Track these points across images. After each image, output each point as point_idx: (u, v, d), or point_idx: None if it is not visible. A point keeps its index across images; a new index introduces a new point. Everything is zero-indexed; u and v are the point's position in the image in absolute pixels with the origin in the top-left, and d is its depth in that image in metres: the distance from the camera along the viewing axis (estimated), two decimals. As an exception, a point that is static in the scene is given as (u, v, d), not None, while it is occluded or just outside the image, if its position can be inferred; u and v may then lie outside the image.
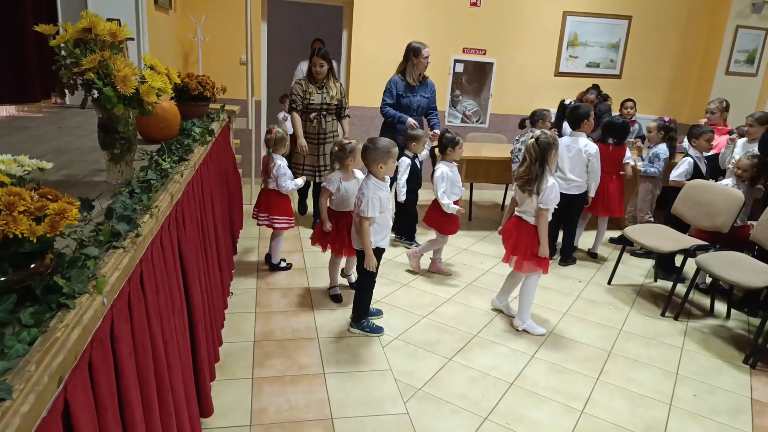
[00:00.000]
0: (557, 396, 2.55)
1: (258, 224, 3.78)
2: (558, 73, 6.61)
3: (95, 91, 1.50)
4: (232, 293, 3.30)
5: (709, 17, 6.79)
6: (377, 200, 2.75)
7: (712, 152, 4.31)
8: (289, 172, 3.63)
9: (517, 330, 3.16)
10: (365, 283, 2.98)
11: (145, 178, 1.66)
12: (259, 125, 6.15)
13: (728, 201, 3.55)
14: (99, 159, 1.89)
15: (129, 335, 1.18)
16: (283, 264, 3.82)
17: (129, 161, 1.71)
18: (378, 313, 3.21)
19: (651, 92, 6.86)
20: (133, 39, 3.90)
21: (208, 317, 2.26)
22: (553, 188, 2.93)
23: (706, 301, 3.76)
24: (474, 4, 6.23)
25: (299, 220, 4.90)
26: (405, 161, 4.01)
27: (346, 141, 3.16)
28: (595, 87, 5.75)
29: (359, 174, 3.18)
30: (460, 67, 6.40)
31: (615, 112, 5.92)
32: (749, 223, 3.73)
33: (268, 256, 3.83)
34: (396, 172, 3.71)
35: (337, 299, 3.39)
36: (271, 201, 3.66)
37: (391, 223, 2.98)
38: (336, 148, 3.19)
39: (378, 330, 3.00)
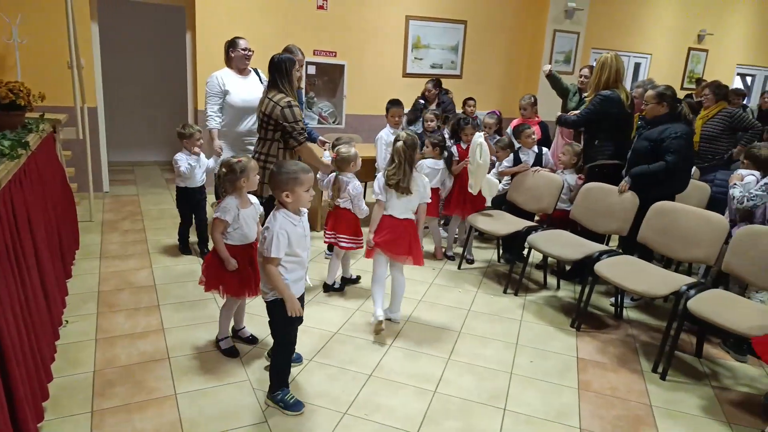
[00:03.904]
0: (412, 380, 2.69)
1: (325, 241, 3.74)
2: (406, 74, 6.94)
3: None
4: (66, 322, 2.98)
5: (532, 22, 7.60)
6: (284, 236, 2.21)
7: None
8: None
9: (397, 322, 3.29)
10: (283, 342, 2.42)
11: None
12: (98, 134, 5.64)
13: (550, 186, 4.02)
14: None
15: None
16: (336, 285, 3.70)
17: None
18: (298, 358, 2.75)
19: (487, 90, 7.50)
20: None
21: (29, 352, 2.02)
22: (429, 184, 3.21)
23: (541, 276, 4.20)
24: (321, 8, 6.31)
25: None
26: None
27: (235, 159, 2.67)
28: (434, 79, 6.11)
29: (254, 199, 2.81)
30: (312, 69, 6.44)
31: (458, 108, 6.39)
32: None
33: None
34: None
35: (232, 353, 2.81)
36: (340, 219, 3.51)
37: (308, 265, 2.42)
38: (224, 170, 2.64)
39: (296, 407, 2.38)
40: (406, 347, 3.02)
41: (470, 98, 6.33)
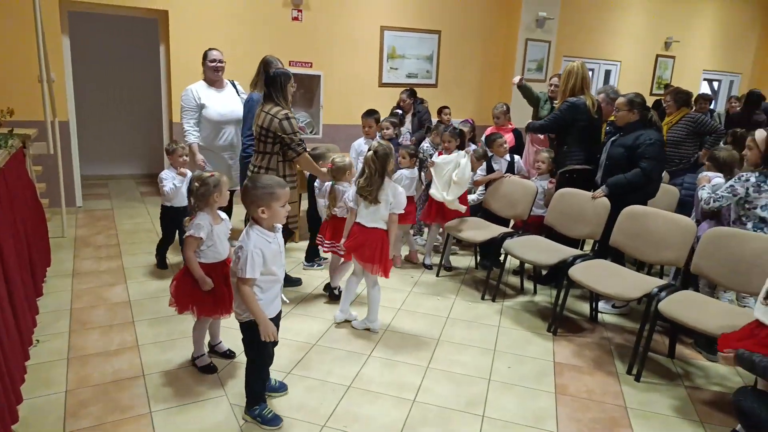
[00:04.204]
0: (390, 390, 2.69)
1: (324, 251, 3.72)
2: (382, 84, 6.99)
3: None
4: (37, 341, 2.92)
5: (505, 31, 7.73)
6: (259, 255, 2.15)
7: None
8: None
9: (376, 332, 3.28)
10: (257, 361, 2.37)
11: None
12: (70, 149, 5.55)
13: (524, 192, 4.08)
14: None
15: None
16: (336, 292, 3.73)
17: None
18: (281, 387, 2.62)
19: (463, 98, 7.59)
20: None
21: (-4, 374, 1.98)
22: (402, 194, 3.21)
23: (518, 281, 4.25)
24: (296, 19, 6.33)
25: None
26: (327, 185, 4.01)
27: (208, 174, 2.62)
28: (409, 89, 6.18)
29: (224, 214, 2.75)
30: (287, 80, 6.44)
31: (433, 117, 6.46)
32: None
33: (328, 286, 3.80)
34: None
35: (210, 370, 2.75)
36: (338, 229, 3.47)
37: (282, 283, 2.38)
38: (197, 184, 2.57)
39: (274, 422, 2.35)
40: (385, 356, 3.02)
41: (445, 107, 6.40)
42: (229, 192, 2.94)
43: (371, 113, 4.64)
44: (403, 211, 3.26)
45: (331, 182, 3.61)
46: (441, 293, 3.99)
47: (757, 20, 10.61)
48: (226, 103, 4.22)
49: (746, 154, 3.24)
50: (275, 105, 3.38)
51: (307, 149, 3.55)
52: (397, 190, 3.22)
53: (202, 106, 4.09)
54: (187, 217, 2.68)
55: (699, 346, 3.26)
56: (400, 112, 5.80)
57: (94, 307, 3.44)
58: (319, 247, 3.76)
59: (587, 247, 4.24)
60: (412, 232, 4.80)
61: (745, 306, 3.18)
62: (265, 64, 3.95)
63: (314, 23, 6.42)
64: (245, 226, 2.28)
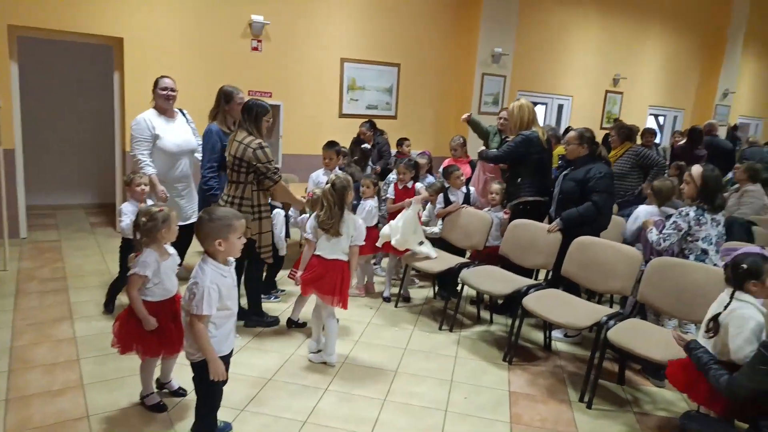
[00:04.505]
0: (347, 424, 2.66)
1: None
2: (342, 115, 7.08)
3: None
4: (-29, 383, 2.75)
5: (462, 65, 7.99)
6: (216, 291, 2.12)
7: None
8: None
9: (333, 365, 3.23)
10: (207, 400, 2.31)
11: None
12: (15, 177, 5.35)
13: (479, 223, 4.18)
14: None
15: None
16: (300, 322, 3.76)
17: None
18: (226, 428, 2.54)
19: (422, 130, 7.76)
20: None
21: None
22: (362, 226, 3.25)
23: (475, 311, 4.30)
24: (255, 49, 6.37)
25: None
26: (280, 214, 4.00)
27: (156, 208, 2.52)
28: (369, 122, 6.29)
29: (171, 249, 2.63)
30: (247, 110, 6.44)
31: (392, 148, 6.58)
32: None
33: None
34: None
35: (159, 408, 2.66)
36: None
37: (236, 318, 2.35)
38: (144, 219, 2.47)
39: None
40: (342, 390, 2.99)
41: (405, 138, 6.53)
42: (179, 227, 2.84)
43: (332, 145, 4.69)
44: (364, 243, 3.29)
45: (309, 214, 3.60)
46: (399, 324, 3.99)
47: (697, 59, 11.35)
48: (180, 133, 4.15)
49: (684, 188, 3.42)
50: (248, 135, 3.39)
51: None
52: (357, 222, 3.25)
53: (156, 137, 4.00)
54: (132, 254, 2.59)
55: (647, 372, 3.37)
56: (368, 146, 5.92)
57: (36, 345, 3.28)
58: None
59: (543, 276, 4.35)
60: (373, 261, 4.81)
61: (687, 332, 3.31)
62: (226, 95, 3.93)
63: (274, 54, 6.48)
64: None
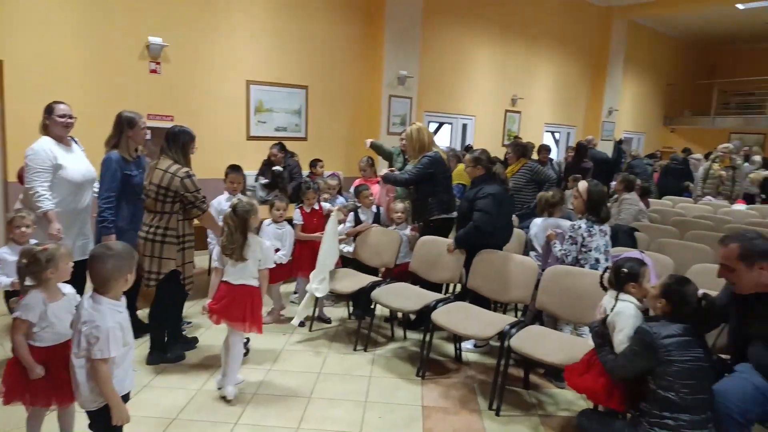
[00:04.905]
0: (258, 458, 2.58)
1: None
2: (250, 137, 6.96)
3: None
4: None
5: (370, 87, 8.16)
6: (119, 330, 2.03)
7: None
8: None
9: (229, 399, 3.09)
10: None
11: None
12: None
13: (389, 241, 4.26)
14: None
15: None
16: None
17: None
18: None
19: (332, 151, 7.80)
20: None
21: None
22: (270, 249, 3.20)
23: (389, 329, 4.34)
24: (154, 71, 6.13)
25: None
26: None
27: (40, 247, 2.28)
28: (279, 144, 6.25)
29: (68, 288, 2.40)
30: (148, 134, 6.14)
31: (304, 170, 6.56)
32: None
33: None
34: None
35: None
36: None
37: (134, 351, 2.26)
38: (24, 260, 2.24)
39: None
40: (253, 422, 2.89)
41: (318, 160, 6.52)
42: (74, 263, 2.60)
43: (236, 169, 4.59)
44: (273, 265, 3.25)
45: None
46: (313, 347, 3.95)
47: (585, 80, 12.39)
48: (81, 162, 3.84)
49: (573, 202, 3.70)
50: (174, 163, 3.31)
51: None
52: (264, 245, 3.20)
53: (58, 167, 3.65)
54: (14, 297, 2.37)
55: (549, 375, 3.57)
56: (280, 169, 5.86)
57: None
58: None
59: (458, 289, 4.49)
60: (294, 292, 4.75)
61: (581, 335, 3.55)
62: (129, 121, 3.68)
63: (175, 76, 6.27)
64: None
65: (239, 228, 3.05)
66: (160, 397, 3.12)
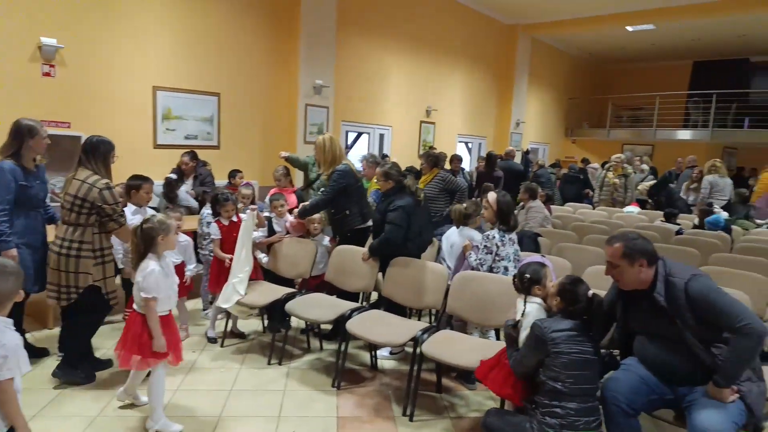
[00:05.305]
0: (162, 484, 2.44)
1: None
2: (157, 146, 6.63)
3: None
4: None
5: (286, 95, 8.07)
6: (21, 348, 1.96)
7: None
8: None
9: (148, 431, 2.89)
10: None
11: None
12: None
13: (305, 251, 4.22)
14: None
15: None
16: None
17: None
18: None
19: (248, 160, 7.62)
20: None
21: None
22: (152, 273, 2.76)
23: (305, 340, 4.29)
24: (47, 75, 5.69)
25: None
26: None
27: None
28: (190, 152, 6.02)
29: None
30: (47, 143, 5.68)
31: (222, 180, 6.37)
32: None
33: None
34: None
35: None
36: None
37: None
38: None
39: None
40: (158, 447, 2.74)
41: (237, 170, 6.34)
42: None
43: (144, 179, 4.34)
44: (151, 296, 2.76)
45: None
46: (225, 364, 3.81)
47: (493, 93, 13.02)
48: None
49: (484, 213, 3.86)
50: (93, 174, 3.23)
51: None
52: (147, 268, 2.79)
53: None
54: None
55: (461, 378, 3.69)
56: (172, 176, 5.61)
57: None
58: None
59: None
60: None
61: (489, 337, 3.71)
62: (30, 129, 3.36)
63: (72, 80, 5.84)
64: None
65: (140, 247, 2.83)
66: (53, 425, 2.87)
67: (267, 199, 5.24)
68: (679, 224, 6.46)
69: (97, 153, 3.31)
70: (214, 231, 4.22)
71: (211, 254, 4.30)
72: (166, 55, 6.65)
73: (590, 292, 2.49)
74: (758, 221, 7.20)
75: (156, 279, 2.77)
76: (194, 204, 5.81)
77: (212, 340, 4.20)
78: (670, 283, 2.38)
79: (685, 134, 14.71)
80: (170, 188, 5.58)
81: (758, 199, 7.98)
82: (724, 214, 6.91)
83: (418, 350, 3.20)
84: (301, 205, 4.45)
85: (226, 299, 3.86)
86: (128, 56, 6.29)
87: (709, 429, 2.13)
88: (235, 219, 4.30)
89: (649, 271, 2.44)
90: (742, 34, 12.80)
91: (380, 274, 4.00)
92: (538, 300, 2.68)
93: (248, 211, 4.07)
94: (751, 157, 14.47)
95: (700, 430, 2.15)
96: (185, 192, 5.86)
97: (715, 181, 7.87)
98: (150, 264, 2.81)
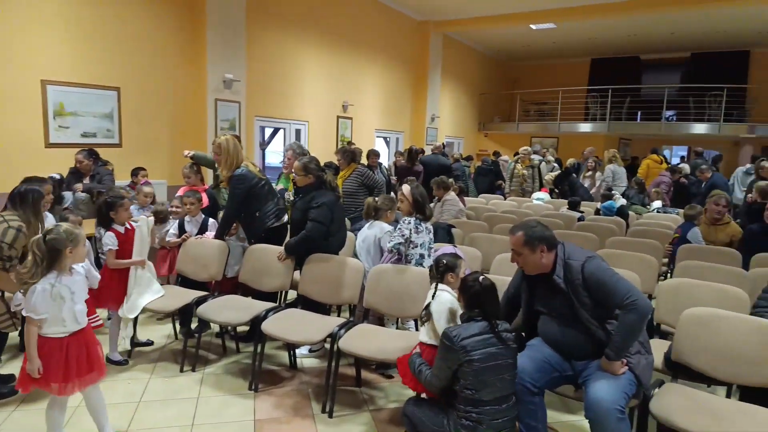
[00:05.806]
0: None
1: None
2: (49, 145, 6.11)
3: None
4: None
5: (193, 90, 7.70)
6: None
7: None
8: None
9: None
10: None
11: None
12: None
13: (216, 252, 4.07)
14: None
15: None
16: None
17: None
18: None
19: (154, 158, 7.21)
20: None
21: None
22: (34, 292, 2.45)
23: (221, 344, 4.14)
24: None
25: None
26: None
27: None
28: (87, 150, 5.61)
29: None
30: None
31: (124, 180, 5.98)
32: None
33: None
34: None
35: None
36: None
37: None
38: None
39: None
40: (55, 470, 2.54)
41: (140, 168, 5.99)
42: None
43: (43, 181, 3.94)
44: (33, 315, 2.45)
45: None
46: (132, 375, 3.59)
47: (409, 88, 13.21)
48: None
49: (400, 206, 3.90)
50: (17, 218, 3.20)
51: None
52: (36, 286, 2.48)
53: None
54: None
55: (380, 369, 3.72)
56: (56, 176, 5.18)
57: None
58: None
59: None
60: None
61: (408, 329, 3.77)
62: None
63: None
64: None
65: (46, 259, 2.49)
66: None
67: (176, 197, 4.97)
68: (582, 212, 6.92)
69: (26, 203, 3.29)
70: (110, 241, 3.58)
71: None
72: (56, 47, 6.11)
73: (481, 277, 2.52)
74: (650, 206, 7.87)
75: (40, 298, 2.46)
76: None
77: (121, 363, 3.74)
78: (569, 266, 2.53)
79: (585, 127, 15.74)
80: (54, 188, 5.14)
81: (650, 185, 8.73)
82: (622, 200, 7.49)
83: (335, 346, 3.19)
84: (213, 234, 4.29)
85: (131, 309, 3.62)
86: (11, 47, 5.72)
87: (602, 399, 2.29)
88: (128, 226, 3.70)
89: (549, 255, 2.58)
90: (632, 34, 13.88)
91: (297, 272, 3.95)
92: (448, 288, 2.75)
93: (142, 217, 3.78)
94: (643, 147, 15.75)
95: (594, 401, 2.31)
96: (74, 193, 5.42)
97: (615, 169, 8.54)
98: (39, 284, 2.49)
